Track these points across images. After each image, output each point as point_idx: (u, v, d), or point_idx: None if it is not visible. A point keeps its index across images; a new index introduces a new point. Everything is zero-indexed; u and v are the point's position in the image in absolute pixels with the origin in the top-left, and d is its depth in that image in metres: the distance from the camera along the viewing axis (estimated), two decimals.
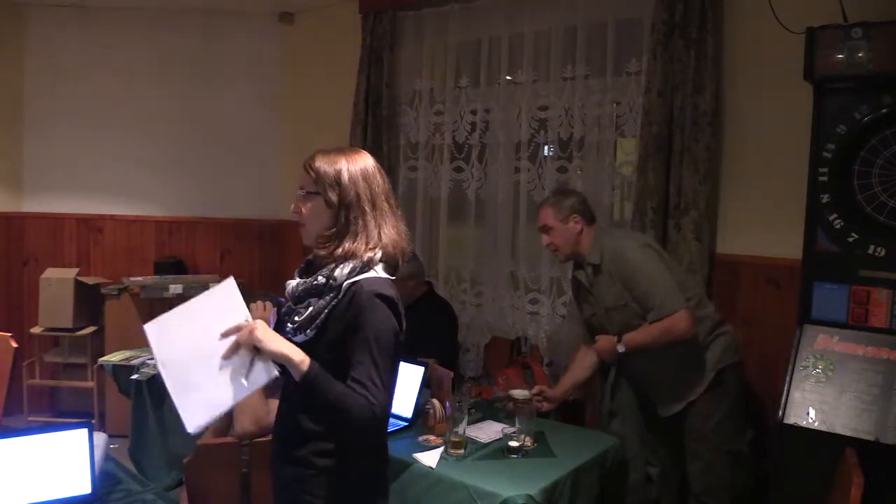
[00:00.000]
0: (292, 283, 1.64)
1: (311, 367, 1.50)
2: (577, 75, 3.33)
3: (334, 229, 1.59)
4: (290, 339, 1.60)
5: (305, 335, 1.58)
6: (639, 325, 2.59)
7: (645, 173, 3.01)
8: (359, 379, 1.50)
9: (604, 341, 2.68)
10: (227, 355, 1.51)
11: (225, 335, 1.53)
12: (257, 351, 1.51)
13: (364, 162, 1.63)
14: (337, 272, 1.56)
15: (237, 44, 4.69)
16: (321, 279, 1.57)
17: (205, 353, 1.52)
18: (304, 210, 1.63)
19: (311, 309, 1.57)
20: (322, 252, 1.60)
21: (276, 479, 1.72)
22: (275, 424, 1.75)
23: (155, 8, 4.56)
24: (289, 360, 1.50)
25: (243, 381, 1.51)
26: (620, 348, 2.62)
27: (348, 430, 1.55)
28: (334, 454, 1.59)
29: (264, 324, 1.53)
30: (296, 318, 1.59)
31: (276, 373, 1.53)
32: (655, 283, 2.53)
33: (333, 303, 1.56)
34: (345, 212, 1.59)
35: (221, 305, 1.57)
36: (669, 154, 2.99)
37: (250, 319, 1.54)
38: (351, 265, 1.56)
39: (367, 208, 1.59)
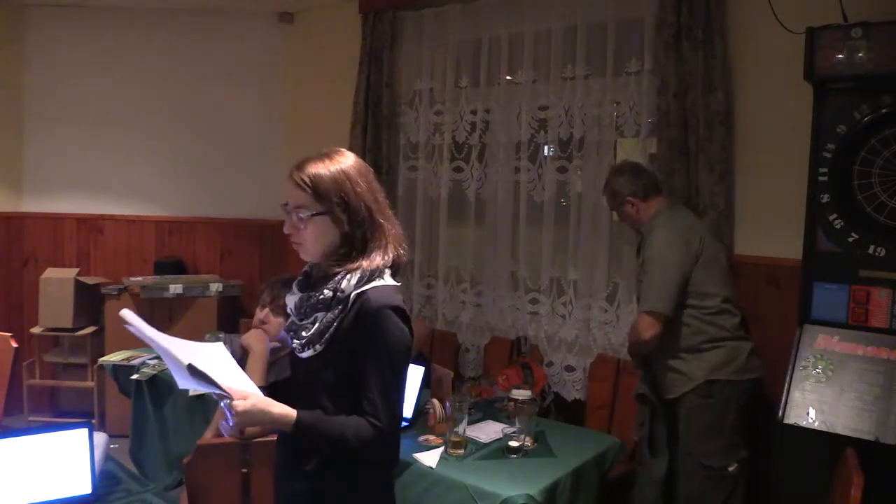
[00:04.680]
0: (294, 299, 1.58)
1: (297, 424, 1.46)
2: (577, 75, 3.32)
3: (348, 248, 1.51)
4: (297, 356, 1.57)
5: (314, 350, 1.52)
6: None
7: (670, 176, 2.99)
8: (366, 397, 1.47)
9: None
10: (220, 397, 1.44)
11: (218, 396, 1.44)
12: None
13: (357, 164, 1.55)
14: (343, 284, 1.49)
15: (237, 44, 4.69)
16: (328, 293, 1.50)
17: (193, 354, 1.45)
18: (302, 231, 1.51)
19: (318, 324, 1.51)
20: (335, 269, 1.51)
21: (280, 493, 1.68)
22: (278, 437, 1.69)
23: (155, 8, 4.56)
24: (274, 426, 1.48)
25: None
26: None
27: (356, 455, 1.51)
28: (341, 467, 1.54)
29: (244, 404, 1.43)
30: (303, 334, 1.54)
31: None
32: (653, 279, 2.61)
33: (342, 315, 1.50)
34: (359, 230, 1.51)
35: (214, 356, 1.50)
36: (679, 155, 2.98)
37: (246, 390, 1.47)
38: (358, 275, 1.49)
39: (379, 219, 1.53)
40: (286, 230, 1.56)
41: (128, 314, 1.47)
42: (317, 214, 1.50)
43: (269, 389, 1.62)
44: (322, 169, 1.51)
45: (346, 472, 1.55)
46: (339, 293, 1.49)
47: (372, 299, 1.48)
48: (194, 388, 1.46)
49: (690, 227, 2.69)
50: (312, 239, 1.52)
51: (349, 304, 1.50)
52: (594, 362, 3.33)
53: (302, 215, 1.51)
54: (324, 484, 1.56)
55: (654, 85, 3.06)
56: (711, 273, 2.64)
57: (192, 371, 1.39)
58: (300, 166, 1.53)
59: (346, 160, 1.55)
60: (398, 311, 1.50)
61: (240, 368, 1.55)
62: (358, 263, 1.50)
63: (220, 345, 1.56)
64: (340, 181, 1.50)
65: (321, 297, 1.51)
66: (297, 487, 1.60)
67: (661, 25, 2.98)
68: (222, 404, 1.45)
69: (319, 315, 1.52)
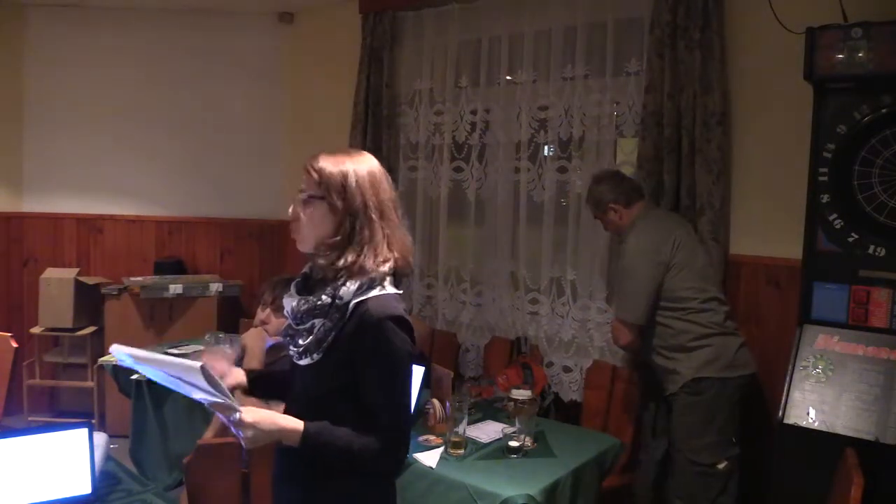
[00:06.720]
0: (292, 302, 1.54)
1: (305, 434, 1.44)
2: (577, 75, 3.32)
3: (338, 237, 1.48)
4: (294, 363, 1.55)
5: (311, 359, 1.49)
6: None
7: (657, 175, 3.00)
8: (371, 410, 1.44)
9: None
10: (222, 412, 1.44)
11: (220, 412, 1.43)
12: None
13: (370, 165, 1.54)
14: (343, 291, 1.45)
15: (237, 43, 4.69)
16: (326, 299, 1.46)
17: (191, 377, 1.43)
18: (303, 215, 1.51)
19: (315, 331, 1.48)
20: (322, 261, 1.48)
21: (278, 499, 1.65)
22: (277, 443, 1.63)
23: (155, 8, 4.56)
24: (282, 437, 1.45)
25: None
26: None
27: (363, 467, 1.48)
28: (342, 473, 1.50)
29: (252, 415, 1.42)
30: (300, 341, 1.50)
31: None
32: (624, 290, 2.71)
33: (340, 324, 1.46)
34: (350, 219, 1.47)
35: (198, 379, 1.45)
36: (670, 155, 2.99)
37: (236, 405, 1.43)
38: (358, 283, 1.45)
39: (374, 216, 1.49)
40: (290, 212, 1.56)
41: (117, 350, 1.46)
42: (314, 197, 1.50)
43: (255, 381, 1.66)
44: (333, 159, 1.52)
45: (345, 479, 1.52)
46: (337, 300, 1.45)
47: (372, 309, 1.44)
48: (205, 397, 1.43)
49: (663, 234, 2.70)
50: (308, 225, 1.51)
51: (348, 313, 1.46)
52: (590, 368, 3.32)
53: (303, 196, 1.52)
54: (324, 490, 1.53)
55: (643, 84, 3.07)
56: (685, 276, 2.66)
57: (206, 374, 1.37)
58: (316, 155, 1.54)
59: (362, 161, 1.55)
60: (399, 321, 1.46)
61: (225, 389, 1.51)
62: (345, 260, 1.46)
63: (199, 366, 1.51)
64: (346, 173, 1.50)
65: (319, 302, 1.47)
66: (297, 493, 1.57)
67: (655, 25, 2.99)
68: (229, 419, 1.43)
69: (317, 322, 1.48)
